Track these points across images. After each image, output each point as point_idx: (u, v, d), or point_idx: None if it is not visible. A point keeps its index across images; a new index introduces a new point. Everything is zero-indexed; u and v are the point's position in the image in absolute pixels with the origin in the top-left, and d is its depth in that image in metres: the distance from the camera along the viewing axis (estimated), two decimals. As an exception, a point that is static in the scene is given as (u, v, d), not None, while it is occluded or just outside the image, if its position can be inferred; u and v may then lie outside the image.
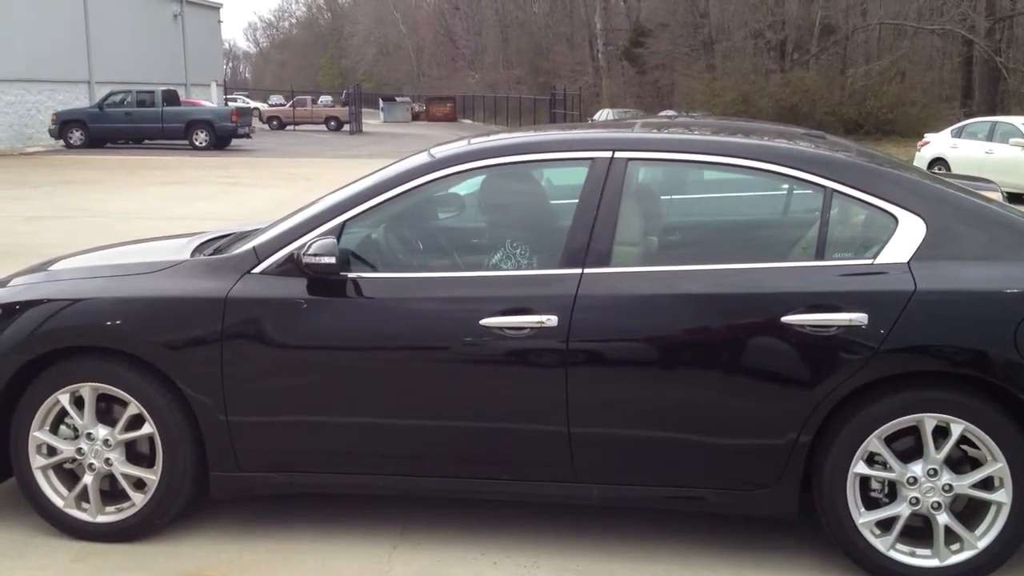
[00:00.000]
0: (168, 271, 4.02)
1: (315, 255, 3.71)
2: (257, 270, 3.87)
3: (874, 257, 3.61)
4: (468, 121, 60.58)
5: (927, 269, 3.54)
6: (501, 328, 3.66)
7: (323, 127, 49.25)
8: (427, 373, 3.77)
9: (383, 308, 3.82)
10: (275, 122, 50.36)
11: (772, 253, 3.95)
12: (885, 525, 3.62)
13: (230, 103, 42.62)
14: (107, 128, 30.63)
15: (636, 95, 51.10)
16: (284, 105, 54.62)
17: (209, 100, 40.18)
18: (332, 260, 3.71)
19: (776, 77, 40.91)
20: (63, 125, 30.30)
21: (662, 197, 4.44)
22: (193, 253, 4.27)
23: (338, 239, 3.80)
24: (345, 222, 3.89)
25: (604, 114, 41.99)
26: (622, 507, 3.96)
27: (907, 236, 3.60)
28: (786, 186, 4.07)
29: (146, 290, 3.94)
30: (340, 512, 4.22)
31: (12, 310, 4.02)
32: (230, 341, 3.79)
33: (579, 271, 3.70)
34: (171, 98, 31.51)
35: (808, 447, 3.60)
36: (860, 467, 3.58)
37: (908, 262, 3.56)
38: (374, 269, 3.96)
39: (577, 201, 3.83)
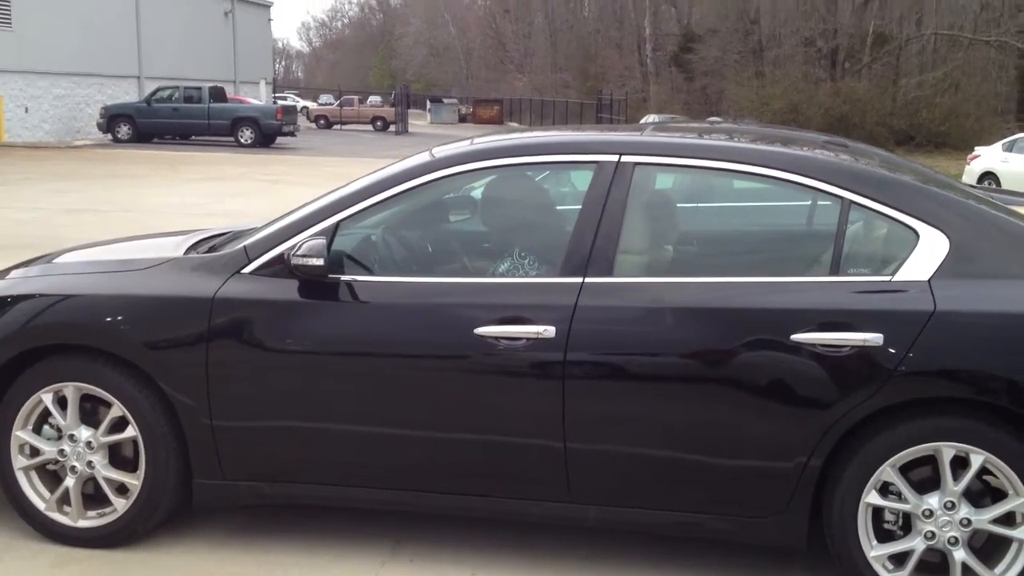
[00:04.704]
0: (156, 268, 3.88)
1: (304, 256, 3.56)
2: (247, 270, 3.73)
3: (892, 274, 3.39)
4: (515, 124, 60.31)
5: (949, 288, 3.31)
6: (496, 338, 3.48)
7: (369, 127, 49.44)
8: (418, 383, 3.60)
9: (373, 313, 3.66)
10: (322, 121, 50.67)
11: (784, 267, 3.72)
12: (899, 560, 3.39)
13: (279, 101, 42.87)
14: (154, 123, 30.96)
15: (684, 101, 50.58)
16: (334, 104, 54.90)
17: (258, 98, 40.42)
18: (320, 262, 3.55)
19: (826, 86, 40.31)
20: (111, 119, 30.65)
21: (670, 205, 4.23)
22: (188, 251, 4.13)
23: (331, 240, 3.65)
24: (339, 222, 3.72)
25: (650, 119, 41.69)
26: (620, 530, 3.77)
27: (928, 252, 3.37)
28: (801, 196, 3.84)
29: (131, 287, 3.81)
30: (329, 526, 4.06)
31: (3, 303, 3.92)
32: (216, 342, 3.65)
33: (580, 280, 3.51)
34: (218, 95, 31.78)
35: (818, 473, 3.38)
36: (873, 497, 3.36)
37: (929, 280, 3.33)
38: (368, 272, 3.79)
39: (581, 206, 3.65)
